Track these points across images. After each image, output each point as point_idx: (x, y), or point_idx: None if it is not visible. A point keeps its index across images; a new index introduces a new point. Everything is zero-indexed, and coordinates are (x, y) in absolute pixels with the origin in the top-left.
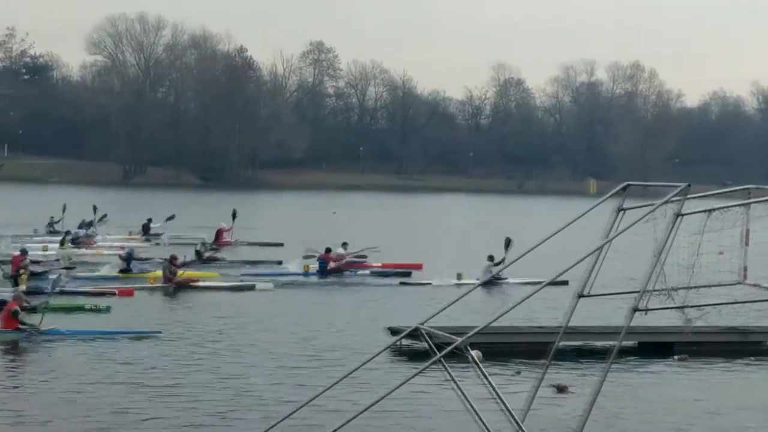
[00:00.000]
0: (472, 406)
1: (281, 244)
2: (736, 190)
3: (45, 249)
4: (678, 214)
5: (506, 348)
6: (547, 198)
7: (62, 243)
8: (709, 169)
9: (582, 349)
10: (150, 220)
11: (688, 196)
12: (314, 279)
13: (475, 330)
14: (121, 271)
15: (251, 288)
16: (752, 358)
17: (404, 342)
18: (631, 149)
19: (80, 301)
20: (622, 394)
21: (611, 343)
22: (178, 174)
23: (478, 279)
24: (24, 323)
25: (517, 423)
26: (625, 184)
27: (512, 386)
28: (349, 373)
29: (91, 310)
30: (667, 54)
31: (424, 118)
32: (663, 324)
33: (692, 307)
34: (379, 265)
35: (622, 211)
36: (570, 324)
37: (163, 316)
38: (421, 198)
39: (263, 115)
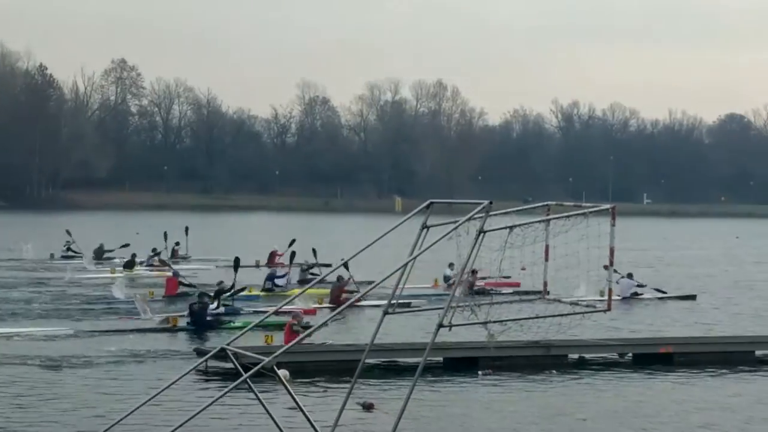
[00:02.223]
0: (278, 426)
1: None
2: (537, 207)
3: (113, 272)
4: (481, 231)
5: (314, 366)
6: (354, 216)
7: (130, 266)
8: (511, 186)
9: (389, 366)
10: (102, 245)
11: (491, 212)
12: None
13: (282, 349)
14: (264, 290)
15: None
16: (555, 371)
17: (216, 364)
18: (435, 167)
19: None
20: (428, 410)
21: (417, 359)
22: None
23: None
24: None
25: None
26: (429, 201)
27: (320, 404)
28: (153, 397)
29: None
30: (470, 72)
31: (229, 136)
32: (468, 339)
33: (495, 322)
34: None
35: (427, 229)
36: (377, 341)
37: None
38: (228, 217)
39: (65, 134)
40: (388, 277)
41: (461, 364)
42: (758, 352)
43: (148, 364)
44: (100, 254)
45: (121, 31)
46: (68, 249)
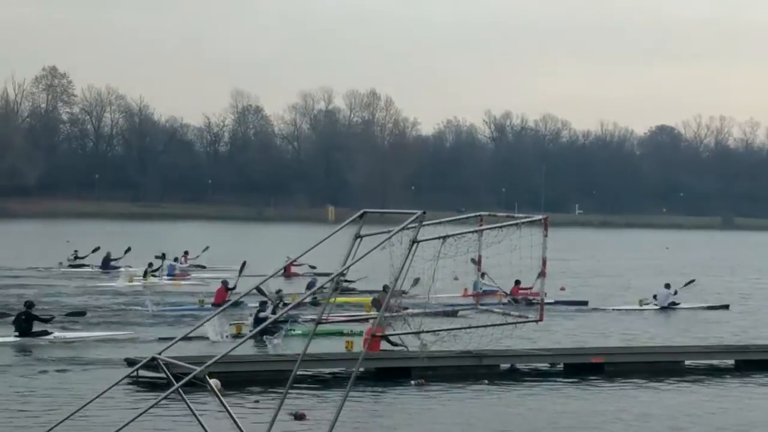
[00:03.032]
0: None
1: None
2: (470, 217)
3: (131, 281)
4: (414, 241)
5: (247, 376)
6: (287, 225)
7: (145, 274)
8: (444, 197)
9: (322, 376)
10: (76, 251)
11: (424, 222)
12: None
13: (214, 359)
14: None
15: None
16: (486, 381)
17: (147, 373)
18: (368, 176)
19: (335, 328)
20: (361, 420)
21: (350, 369)
22: None
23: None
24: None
25: None
26: (362, 211)
27: (252, 414)
28: (80, 408)
29: (348, 334)
30: (403, 83)
31: (161, 144)
32: (402, 349)
33: (427, 332)
34: None
35: (360, 238)
36: (309, 351)
37: None
38: (159, 226)
39: None
40: (320, 287)
41: (394, 373)
42: (687, 362)
43: (80, 374)
44: (107, 263)
45: (53, 38)
46: (75, 257)
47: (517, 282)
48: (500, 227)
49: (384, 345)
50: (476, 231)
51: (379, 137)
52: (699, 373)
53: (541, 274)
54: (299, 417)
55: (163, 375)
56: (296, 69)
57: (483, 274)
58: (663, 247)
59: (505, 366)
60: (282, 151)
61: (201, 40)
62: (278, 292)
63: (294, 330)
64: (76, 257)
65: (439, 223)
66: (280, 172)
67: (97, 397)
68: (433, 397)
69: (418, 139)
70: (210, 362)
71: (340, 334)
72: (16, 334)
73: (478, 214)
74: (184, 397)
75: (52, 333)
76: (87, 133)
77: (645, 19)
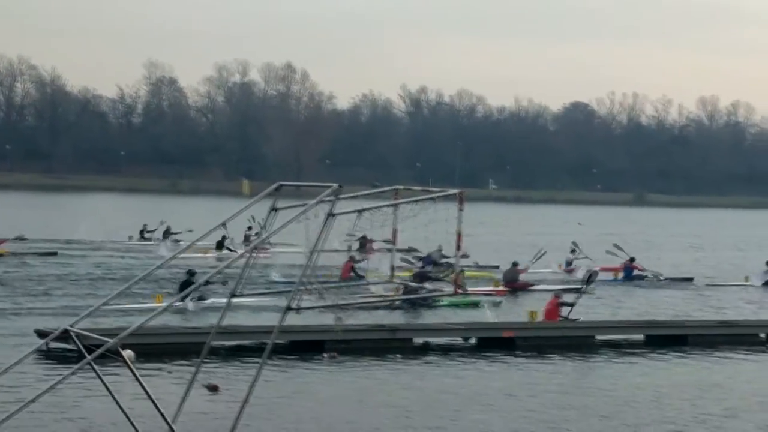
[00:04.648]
0: (122, 409)
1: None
2: (385, 191)
3: (205, 252)
4: (330, 214)
5: (161, 349)
6: (202, 198)
7: (219, 246)
8: (359, 171)
9: (236, 348)
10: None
11: (340, 196)
12: None
13: (127, 331)
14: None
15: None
16: (399, 355)
17: (60, 345)
18: (284, 150)
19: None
20: (274, 392)
21: (264, 342)
22: None
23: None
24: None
25: (168, 423)
26: (277, 184)
27: (166, 387)
28: None
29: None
30: (319, 56)
31: (73, 115)
32: (316, 323)
33: (342, 305)
34: None
35: (276, 211)
36: (224, 323)
37: None
38: (71, 197)
39: None
40: (235, 259)
41: (308, 346)
42: (598, 337)
43: None
44: (167, 237)
45: None
46: (145, 231)
47: (632, 259)
48: (416, 201)
49: None
50: (392, 205)
51: (295, 111)
52: (609, 348)
53: (457, 248)
54: (213, 389)
55: (75, 347)
56: (211, 41)
57: (573, 251)
58: (575, 223)
59: (418, 340)
60: (197, 123)
61: (115, 11)
62: (422, 267)
63: (440, 301)
64: (145, 230)
65: (355, 196)
66: (194, 145)
67: (5, 371)
68: (345, 371)
69: (333, 113)
70: (123, 334)
71: (476, 305)
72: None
73: (393, 187)
74: (97, 369)
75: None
76: None
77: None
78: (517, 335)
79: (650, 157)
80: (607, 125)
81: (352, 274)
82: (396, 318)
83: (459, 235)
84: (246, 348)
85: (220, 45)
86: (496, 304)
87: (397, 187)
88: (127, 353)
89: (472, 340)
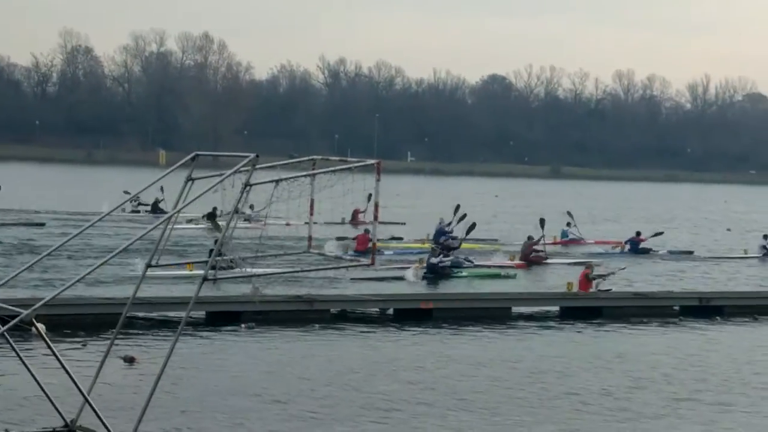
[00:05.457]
0: (37, 381)
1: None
2: (303, 161)
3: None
4: (247, 184)
5: (76, 320)
6: (118, 168)
7: (154, 210)
8: (278, 142)
9: (153, 319)
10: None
11: (257, 166)
12: None
13: (41, 302)
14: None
15: None
16: (317, 325)
17: None
18: (201, 120)
19: (494, 270)
20: (191, 364)
21: (181, 313)
22: None
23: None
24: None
25: (83, 394)
26: (194, 154)
27: (81, 358)
28: None
29: (505, 277)
30: (236, 26)
31: None
32: (234, 293)
33: (259, 275)
34: None
35: (192, 181)
36: (141, 295)
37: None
38: None
39: None
40: (151, 229)
41: (225, 317)
42: (514, 309)
43: None
44: (156, 208)
45: None
46: (138, 204)
47: (638, 233)
48: (333, 171)
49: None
50: (309, 175)
51: (212, 81)
52: (525, 320)
53: (374, 219)
54: (129, 360)
55: None
56: (127, 9)
57: (568, 223)
58: (493, 195)
59: (335, 310)
60: (112, 93)
61: None
62: (445, 240)
63: (460, 272)
64: (139, 203)
65: (272, 166)
66: (110, 115)
67: None
68: (262, 341)
69: (251, 84)
70: (37, 305)
71: (498, 276)
72: None
73: (311, 157)
74: (11, 341)
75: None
76: None
77: None
78: (435, 306)
79: (567, 130)
80: (524, 98)
81: (370, 245)
82: (316, 289)
83: (376, 206)
84: (164, 319)
85: (136, 14)
86: (511, 277)
87: (315, 157)
88: (40, 326)
89: (390, 311)
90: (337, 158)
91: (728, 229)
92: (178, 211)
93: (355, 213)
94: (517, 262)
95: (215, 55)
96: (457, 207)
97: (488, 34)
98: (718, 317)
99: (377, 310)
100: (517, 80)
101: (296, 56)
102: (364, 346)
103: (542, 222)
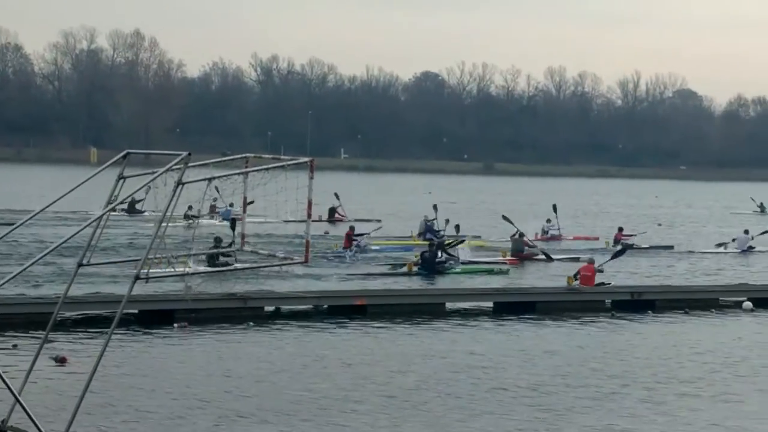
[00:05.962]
0: None
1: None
2: (236, 159)
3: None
4: (179, 183)
5: (5, 319)
6: (48, 167)
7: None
8: (210, 139)
9: (84, 319)
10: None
11: (190, 164)
12: None
13: None
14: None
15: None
16: (251, 323)
17: None
18: (132, 118)
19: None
20: (123, 363)
21: (113, 312)
22: None
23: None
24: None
25: (14, 395)
26: (125, 152)
27: (11, 358)
28: None
29: (497, 273)
30: (167, 23)
31: None
32: (166, 291)
33: (192, 274)
34: None
35: (123, 179)
36: (72, 294)
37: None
38: None
39: None
40: (84, 227)
41: (157, 316)
42: (448, 305)
43: None
44: (132, 208)
45: None
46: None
47: (620, 229)
48: (266, 169)
49: None
50: (242, 173)
51: (144, 79)
52: (458, 316)
53: (308, 216)
54: (60, 361)
55: None
56: (57, 6)
57: (548, 220)
58: (426, 192)
59: (270, 308)
60: (42, 90)
61: None
62: (441, 237)
63: (454, 268)
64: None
65: (205, 164)
66: (40, 113)
67: None
68: (196, 339)
69: (183, 82)
70: None
71: (491, 272)
72: None
73: (244, 155)
74: None
75: None
76: None
77: None
78: (369, 303)
79: (499, 127)
80: (457, 95)
81: (354, 241)
82: (249, 287)
83: (309, 203)
84: (96, 318)
85: (66, 10)
86: (504, 272)
87: (248, 155)
88: None
89: (324, 308)
90: (271, 156)
91: (659, 224)
92: (109, 210)
93: (332, 211)
94: (509, 258)
95: (146, 52)
96: (435, 207)
97: (420, 31)
98: (650, 311)
99: (311, 306)
100: (449, 77)
101: (228, 53)
102: (296, 343)
103: (554, 208)
